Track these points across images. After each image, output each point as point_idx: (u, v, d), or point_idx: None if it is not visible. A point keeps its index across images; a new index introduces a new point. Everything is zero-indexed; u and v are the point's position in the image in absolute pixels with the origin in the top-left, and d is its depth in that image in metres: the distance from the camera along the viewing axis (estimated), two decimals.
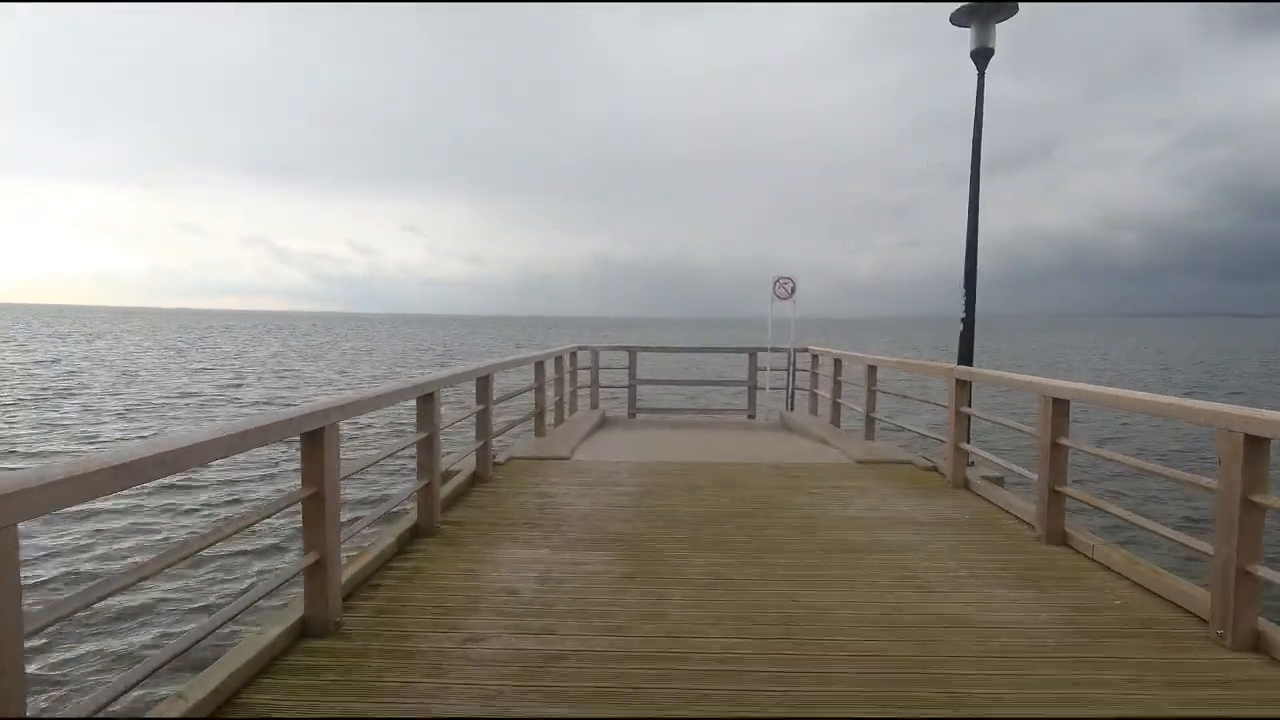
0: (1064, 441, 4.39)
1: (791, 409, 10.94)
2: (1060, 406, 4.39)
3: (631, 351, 11.05)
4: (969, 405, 5.92)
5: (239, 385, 25.77)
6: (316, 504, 3.07)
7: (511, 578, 3.84)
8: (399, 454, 4.91)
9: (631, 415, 11.03)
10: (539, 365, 7.94)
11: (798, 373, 10.97)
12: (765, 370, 11.03)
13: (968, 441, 5.98)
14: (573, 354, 10.53)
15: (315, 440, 3.06)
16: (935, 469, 6.53)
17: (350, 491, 9.12)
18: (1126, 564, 3.87)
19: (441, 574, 3.90)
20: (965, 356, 6.82)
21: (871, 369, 7.95)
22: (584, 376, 10.92)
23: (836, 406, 9.36)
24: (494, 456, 6.58)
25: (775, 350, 11.01)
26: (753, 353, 11.06)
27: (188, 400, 21.23)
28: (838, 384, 9.34)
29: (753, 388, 11.05)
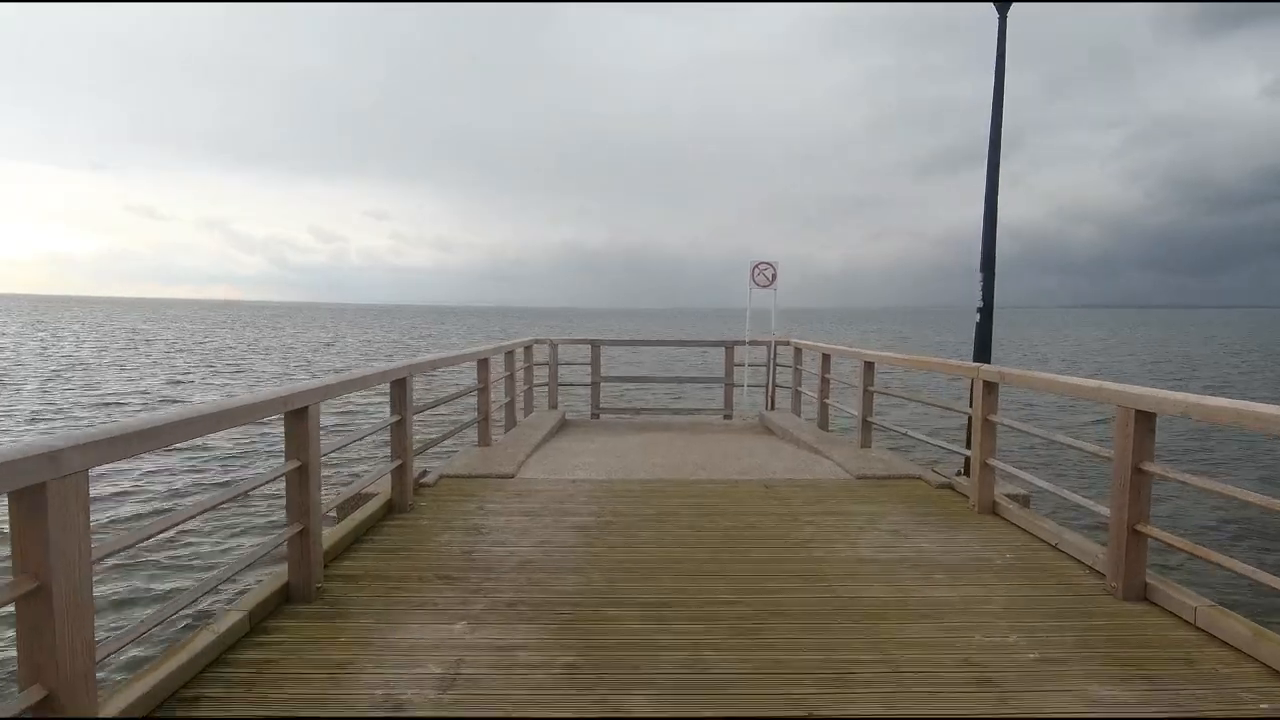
0: (1149, 468, 3.36)
1: (772, 408, 9.89)
2: (1145, 421, 3.35)
3: (595, 345, 9.89)
4: (996, 412, 4.89)
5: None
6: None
7: (401, 678, 2.67)
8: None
9: (595, 416, 9.88)
10: (483, 363, 6.74)
11: (778, 368, 9.94)
12: (743, 365, 9.96)
13: (994, 456, 4.94)
14: (528, 348, 9.33)
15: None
16: (950, 486, 5.50)
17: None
18: (1254, 638, 2.84)
19: (297, 675, 2.70)
20: (982, 351, 5.80)
21: (869, 366, 6.90)
22: (542, 373, 9.73)
23: (825, 408, 8.32)
24: (420, 476, 5.38)
25: (754, 343, 9.95)
26: (729, 346, 9.97)
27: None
28: (825, 382, 8.30)
29: (729, 385, 9.97)
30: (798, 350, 9.62)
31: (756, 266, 9.83)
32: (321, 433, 3.43)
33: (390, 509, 4.71)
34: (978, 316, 5.82)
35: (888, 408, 14.36)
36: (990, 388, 4.85)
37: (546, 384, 9.73)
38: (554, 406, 9.72)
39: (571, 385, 10.41)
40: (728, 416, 9.99)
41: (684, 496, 5.26)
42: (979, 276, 5.81)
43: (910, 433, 6.49)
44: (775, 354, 9.88)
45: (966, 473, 5.74)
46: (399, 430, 4.67)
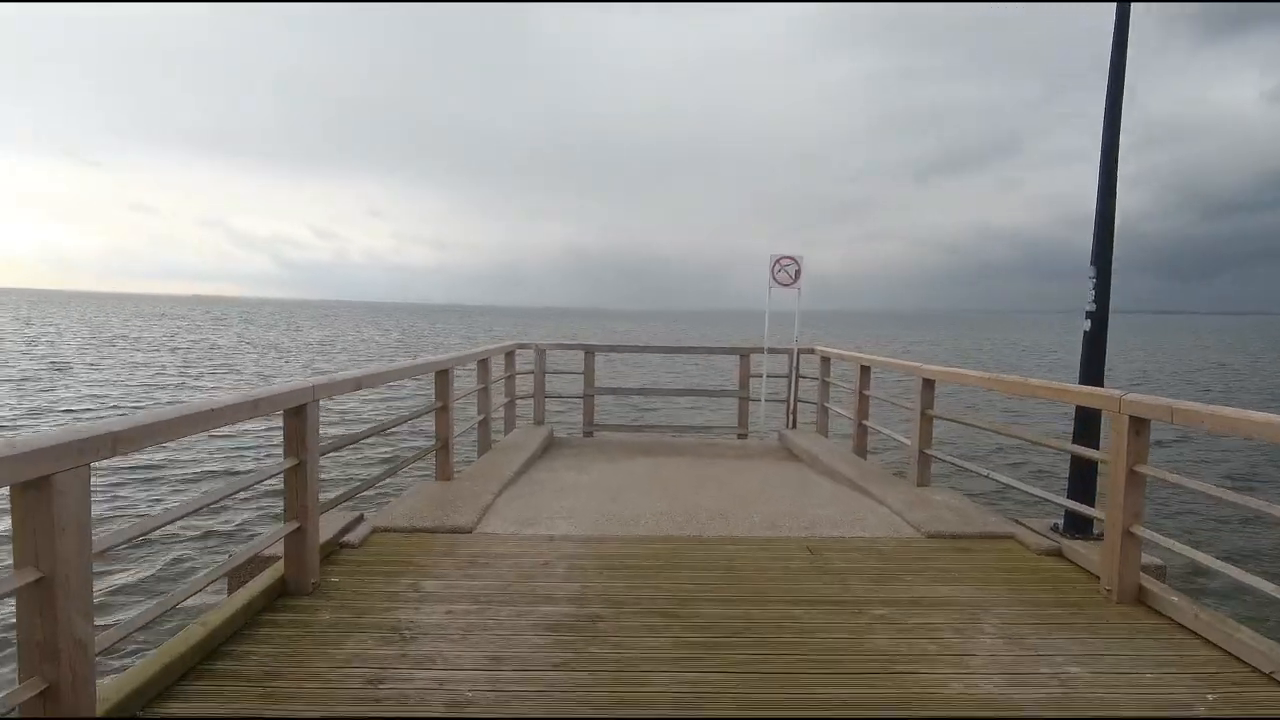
0: None
1: (794, 426, 8.48)
2: None
3: (588, 352, 8.47)
4: (1147, 459, 3.46)
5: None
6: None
7: None
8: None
9: (587, 434, 8.47)
10: (442, 375, 5.33)
11: (801, 380, 8.53)
12: (761, 377, 8.55)
13: (1142, 520, 3.51)
14: (509, 354, 7.93)
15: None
16: (1059, 553, 4.08)
17: None
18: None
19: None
20: (1093, 370, 4.39)
21: (928, 384, 5.48)
22: (527, 384, 8.34)
23: (863, 431, 6.92)
24: (341, 532, 3.97)
25: (773, 351, 8.54)
26: (745, 355, 8.56)
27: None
28: (863, 399, 6.89)
29: (744, 399, 8.56)
30: (825, 360, 8.22)
31: (778, 262, 8.42)
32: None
33: (283, 589, 3.30)
34: (1086, 324, 4.41)
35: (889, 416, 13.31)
36: (1139, 426, 3.43)
37: (531, 396, 8.34)
38: (540, 422, 8.32)
39: (560, 397, 8.98)
40: (743, 436, 8.58)
41: (700, 567, 3.83)
42: (1089, 272, 4.39)
43: (993, 474, 5.00)
44: (798, 364, 8.48)
45: (1073, 529, 4.34)
46: (295, 478, 3.26)
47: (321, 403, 3.44)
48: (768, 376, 8.54)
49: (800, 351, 8.49)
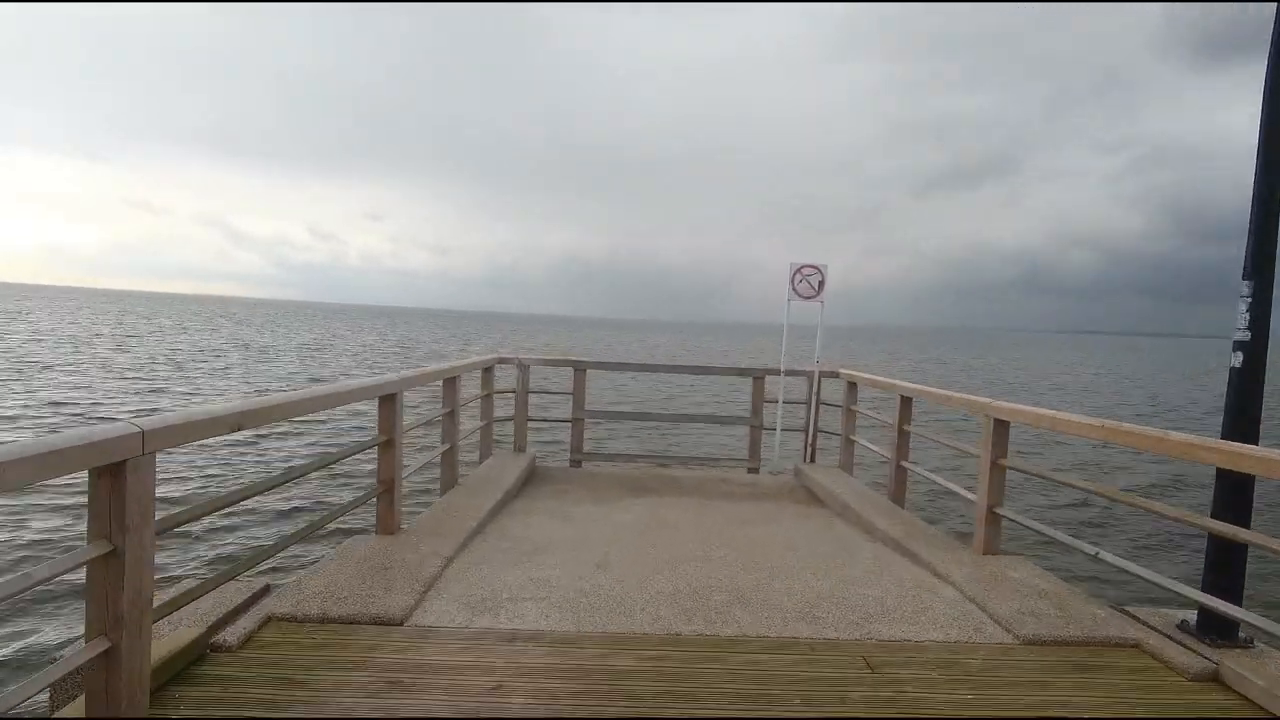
0: None
1: (812, 460, 7.37)
2: None
3: (578, 369, 7.34)
4: None
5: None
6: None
7: None
8: None
9: (575, 464, 7.33)
10: (387, 402, 4.19)
11: (822, 407, 7.42)
12: (777, 403, 7.44)
13: None
14: (487, 370, 6.81)
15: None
16: (1215, 677, 2.95)
17: None
18: None
19: None
20: (1246, 419, 3.28)
21: (1000, 425, 4.35)
22: (507, 405, 7.22)
23: (901, 474, 5.79)
24: (225, 625, 2.84)
25: (791, 374, 7.43)
26: (758, 377, 7.45)
27: None
28: (904, 436, 5.78)
29: (757, 427, 7.44)
30: (852, 385, 7.11)
31: (798, 271, 7.34)
32: None
33: None
34: (1236, 358, 3.30)
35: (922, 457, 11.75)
36: None
37: (513, 418, 7.21)
38: (521, 449, 7.19)
39: (543, 422, 7.85)
40: (754, 470, 7.45)
41: (718, 692, 2.69)
42: (1243, 289, 3.29)
43: (1103, 554, 3.75)
44: (819, 389, 7.37)
45: (1211, 631, 3.22)
46: (105, 570, 2.11)
47: (240, 435, 2.31)
48: (784, 403, 7.43)
49: (822, 375, 7.39)
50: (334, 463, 4.12)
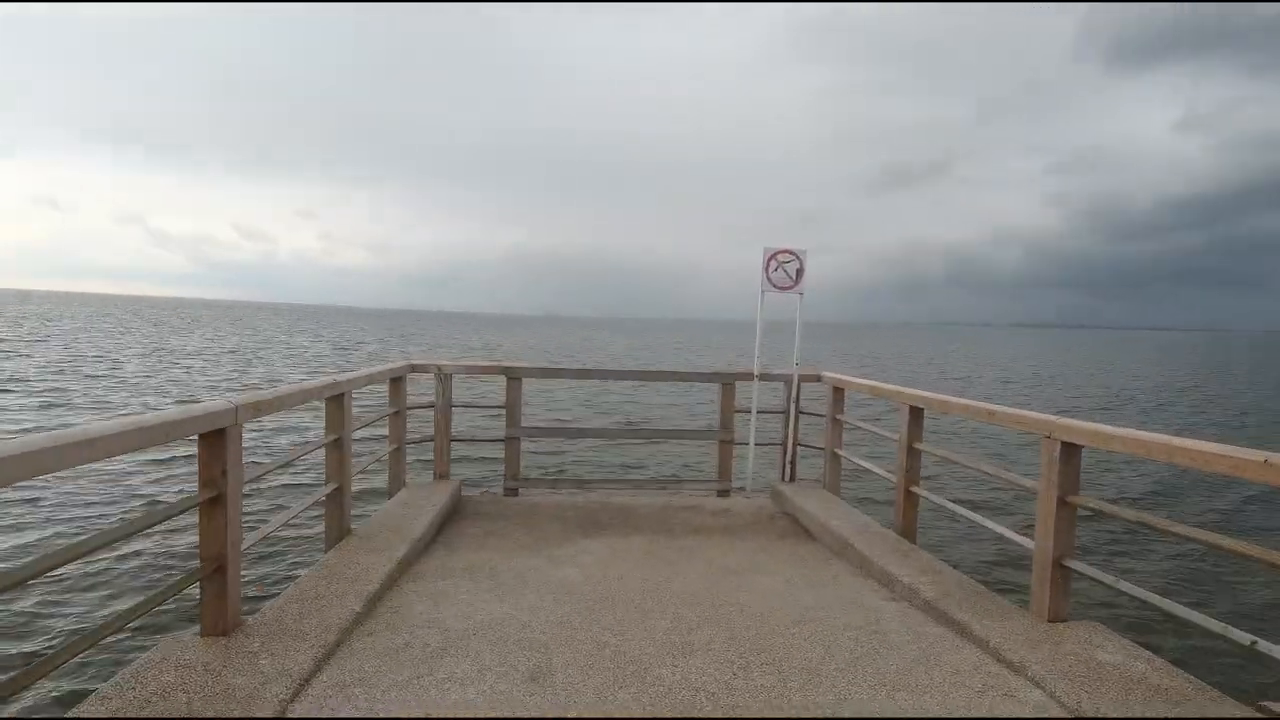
0: None
1: (792, 478, 6.28)
2: None
3: (511, 377, 6.05)
4: None
5: None
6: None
7: None
8: None
9: (510, 493, 6.04)
10: (214, 441, 2.83)
11: (802, 416, 6.33)
12: (750, 412, 6.31)
13: None
14: (395, 381, 5.48)
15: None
16: None
17: None
18: None
19: None
20: None
21: (1069, 450, 3.27)
22: (424, 421, 5.90)
23: (911, 501, 4.73)
24: None
25: (766, 378, 6.32)
26: (728, 383, 6.30)
27: None
28: (913, 456, 4.71)
29: (727, 442, 6.29)
30: (838, 391, 6.04)
31: (773, 257, 6.23)
32: None
33: None
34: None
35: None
36: None
37: (432, 439, 5.87)
38: (443, 476, 5.87)
39: (468, 442, 6.52)
40: (724, 492, 6.31)
41: None
42: None
43: (1263, 645, 2.67)
44: (798, 394, 6.28)
45: None
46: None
47: None
48: (758, 413, 6.30)
49: (802, 379, 6.29)
50: (143, 529, 2.74)
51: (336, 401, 4.17)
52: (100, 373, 23.98)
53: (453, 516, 5.29)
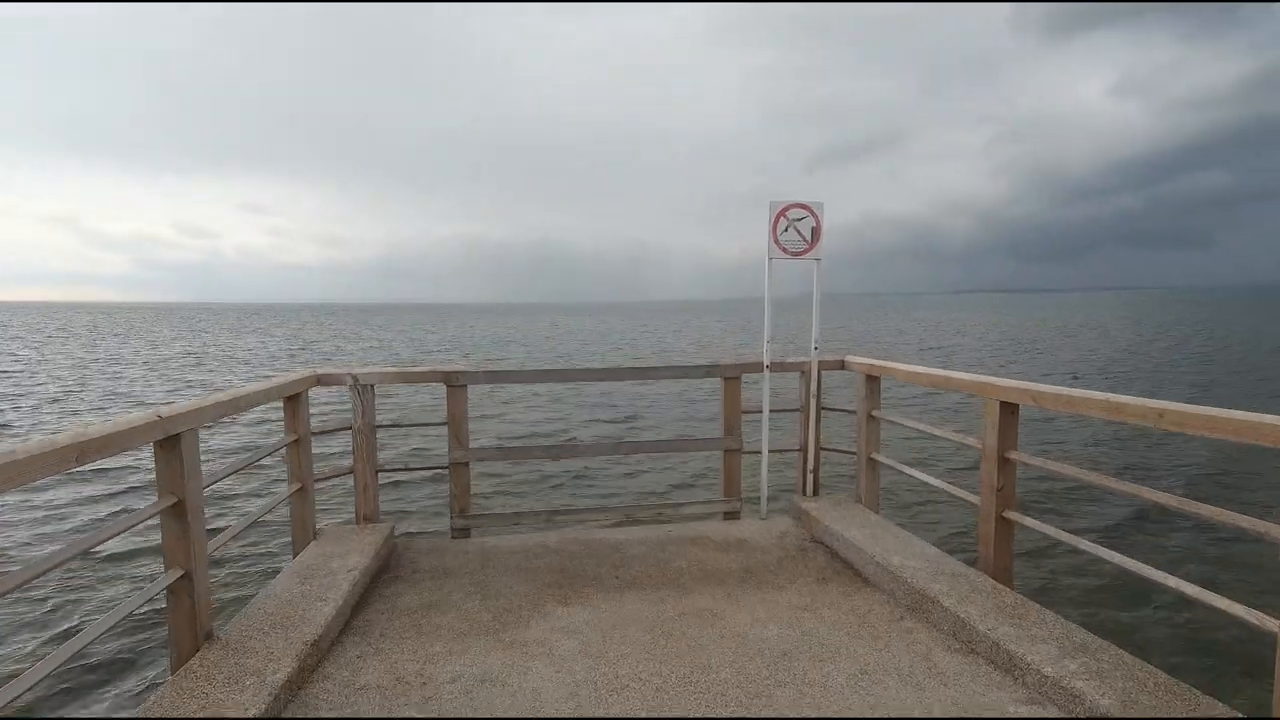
0: None
1: (815, 492, 5.03)
2: None
3: (454, 384, 4.61)
4: None
5: None
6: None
7: None
8: None
9: (460, 534, 4.65)
10: None
11: (824, 414, 5.06)
12: (761, 411, 5.01)
13: None
14: (291, 400, 4.04)
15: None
16: None
17: None
18: None
19: None
20: None
21: None
22: (339, 450, 4.45)
23: (1003, 528, 3.48)
24: None
25: (777, 368, 5.02)
26: (732, 376, 4.97)
27: None
28: (1006, 468, 3.46)
29: (734, 451, 4.98)
30: (872, 380, 4.78)
31: (782, 214, 4.87)
32: None
33: None
34: None
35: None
36: None
37: (351, 470, 4.44)
38: (369, 519, 4.45)
39: (395, 472, 5.09)
40: (733, 514, 5.01)
41: None
42: None
43: None
44: (818, 387, 4.99)
45: None
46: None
47: None
48: (770, 412, 5.01)
49: (820, 366, 5.01)
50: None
51: (170, 448, 2.71)
52: None
53: (381, 578, 3.90)
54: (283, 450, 4.04)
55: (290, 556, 4.04)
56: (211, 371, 28.14)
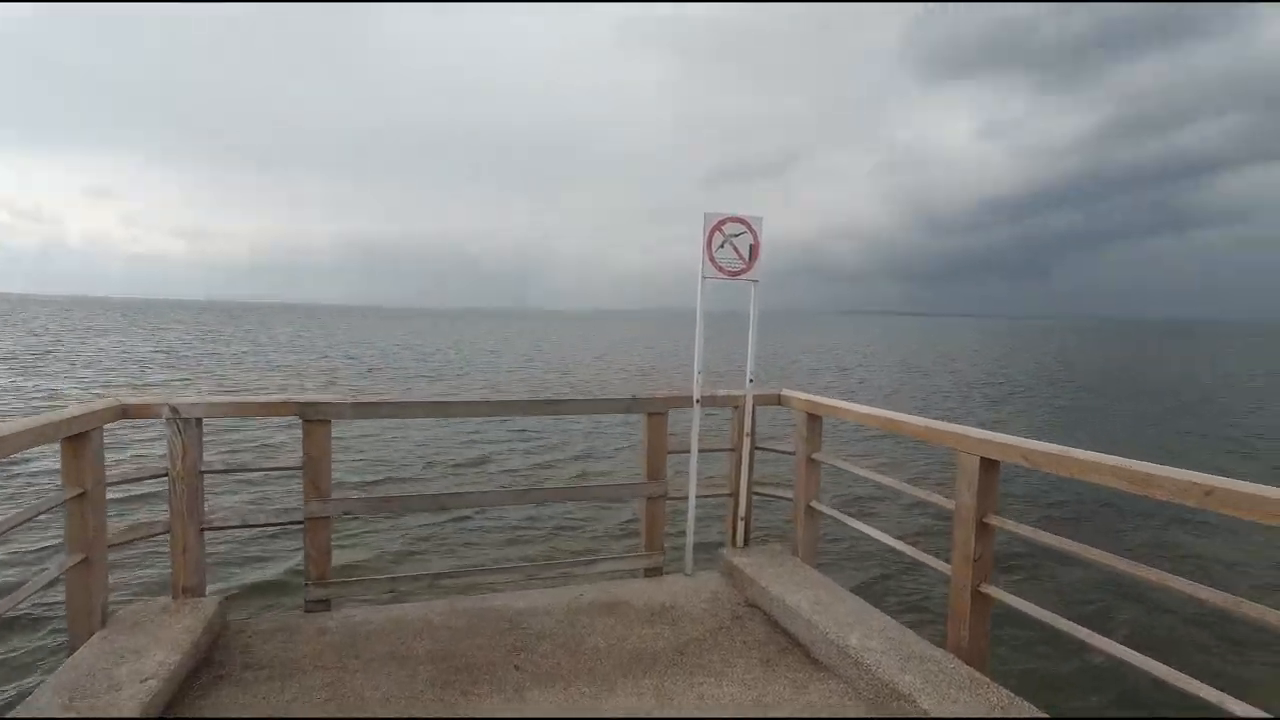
0: None
1: (745, 542, 4.43)
2: None
3: (310, 419, 3.64)
4: None
5: None
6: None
7: None
8: None
9: (316, 608, 3.68)
10: None
11: (757, 453, 4.47)
12: (689, 453, 4.35)
13: None
14: (76, 440, 2.95)
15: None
16: None
17: None
18: None
19: None
20: None
21: None
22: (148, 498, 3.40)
23: (981, 604, 2.97)
24: None
25: (709, 402, 4.38)
26: (657, 412, 4.29)
27: None
28: (984, 534, 2.96)
29: (658, 498, 4.29)
30: (812, 418, 4.24)
31: (718, 229, 4.25)
32: None
33: None
34: None
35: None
36: None
37: (167, 530, 3.39)
38: (190, 591, 3.41)
39: (246, 530, 4.05)
40: (654, 571, 4.31)
41: None
42: None
43: None
44: (753, 424, 4.40)
45: None
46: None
47: None
48: (699, 451, 4.36)
49: (754, 399, 4.42)
50: None
51: None
52: None
53: (198, 680, 2.91)
54: (60, 508, 2.97)
55: (66, 655, 2.96)
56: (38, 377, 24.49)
